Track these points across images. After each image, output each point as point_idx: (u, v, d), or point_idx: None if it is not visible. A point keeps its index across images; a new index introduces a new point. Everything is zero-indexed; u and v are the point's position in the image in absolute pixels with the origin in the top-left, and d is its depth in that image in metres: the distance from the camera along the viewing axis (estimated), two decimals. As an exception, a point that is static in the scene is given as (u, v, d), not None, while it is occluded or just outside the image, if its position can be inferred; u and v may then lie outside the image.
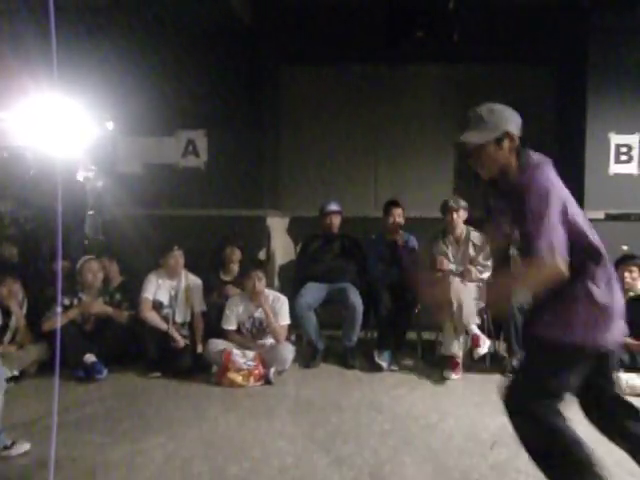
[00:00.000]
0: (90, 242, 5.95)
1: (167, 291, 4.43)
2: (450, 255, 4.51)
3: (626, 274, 4.41)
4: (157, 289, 4.39)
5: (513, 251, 3.17)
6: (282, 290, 4.77)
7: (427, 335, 4.75)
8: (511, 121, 2.05)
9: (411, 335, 4.69)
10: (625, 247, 4.71)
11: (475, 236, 4.53)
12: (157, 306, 4.36)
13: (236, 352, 3.97)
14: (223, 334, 4.22)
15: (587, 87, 4.95)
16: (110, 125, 5.64)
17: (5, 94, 5.21)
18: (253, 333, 4.26)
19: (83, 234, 5.97)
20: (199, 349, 4.28)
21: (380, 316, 4.48)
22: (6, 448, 2.75)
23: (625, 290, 4.40)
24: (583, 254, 1.94)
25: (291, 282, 4.99)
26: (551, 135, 5.54)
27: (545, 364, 1.96)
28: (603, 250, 1.98)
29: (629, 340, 3.96)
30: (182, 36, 5.11)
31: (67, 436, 2.95)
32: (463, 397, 3.74)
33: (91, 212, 6.28)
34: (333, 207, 4.86)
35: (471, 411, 3.46)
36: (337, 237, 4.87)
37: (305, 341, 4.57)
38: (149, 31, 5.10)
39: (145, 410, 3.45)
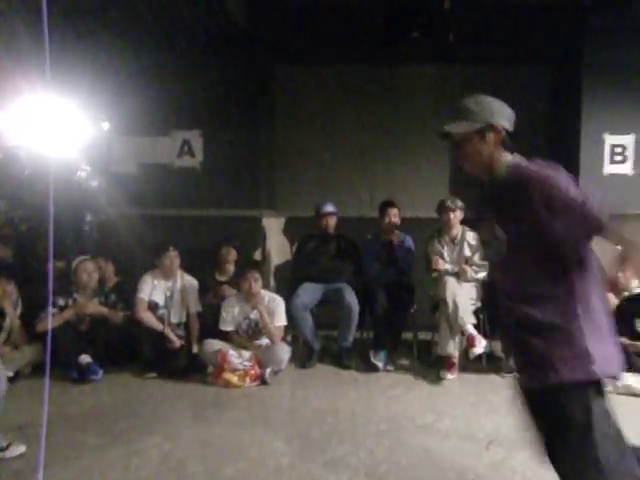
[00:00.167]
0: (85, 242, 5.92)
1: (162, 292, 4.42)
2: (445, 255, 4.51)
3: (620, 274, 4.43)
4: (152, 290, 4.37)
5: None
6: (278, 290, 4.77)
7: (423, 335, 4.76)
8: (498, 114, 1.95)
9: (407, 335, 4.70)
10: (619, 247, 4.72)
11: (471, 236, 4.54)
12: (152, 307, 4.35)
13: (232, 352, 3.97)
14: (219, 334, 4.21)
15: (582, 87, 4.97)
16: (105, 125, 5.63)
17: (-1, 94, 5.18)
18: (249, 334, 4.25)
19: (79, 234, 5.95)
20: (195, 349, 4.27)
21: (376, 316, 4.48)
22: (1, 450, 2.73)
23: (619, 290, 4.43)
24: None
25: (287, 282, 4.99)
26: (546, 135, 5.57)
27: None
28: None
29: (623, 340, 3.97)
30: (178, 37, 5.09)
31: (62, 437, 2.95)
32: (459, 397, 3.74)
33: (87, 212, 6.26)
34: (329, 208, 4.86)
35: (467, 411, 3.47)
36: (333, 237, 4.87)
37: (301, 341, 4.57)
38: (145, 31, 5.08)
39: (141, 411, 3.44)
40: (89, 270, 4.38)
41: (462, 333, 4.15)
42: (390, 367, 4.30)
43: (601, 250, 2.03)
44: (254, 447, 2.92)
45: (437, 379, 4.04)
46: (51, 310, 3.97)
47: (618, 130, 4.97)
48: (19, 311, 4.26)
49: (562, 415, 1.70)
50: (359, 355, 4.49)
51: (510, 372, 4.14)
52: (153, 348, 4.19)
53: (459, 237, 4.54)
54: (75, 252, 4.73)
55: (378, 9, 4.87)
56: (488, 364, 4.32)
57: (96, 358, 4.06)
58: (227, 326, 4.22)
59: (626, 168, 4.99)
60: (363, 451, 2.86)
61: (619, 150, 4.99)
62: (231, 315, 4.24)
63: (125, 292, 4.52)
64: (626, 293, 4.36)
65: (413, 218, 5.03)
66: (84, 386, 3.89)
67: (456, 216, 4.47)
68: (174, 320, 4.40)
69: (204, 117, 5.23)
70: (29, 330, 4.15)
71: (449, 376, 4.08)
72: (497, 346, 4.46)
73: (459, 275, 4.40)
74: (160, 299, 4.39)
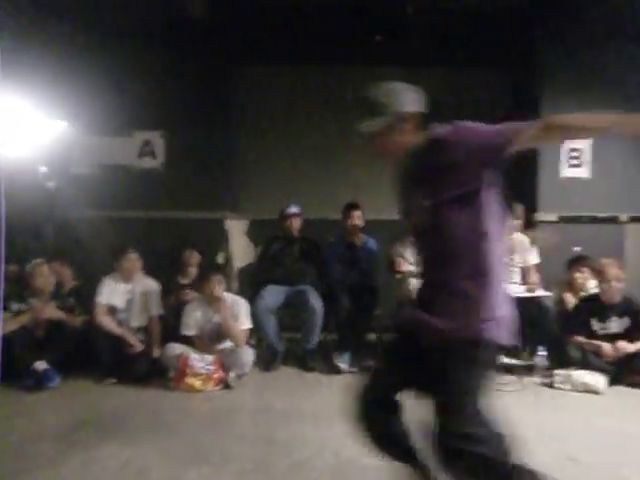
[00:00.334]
0: (42, 245, 5.75)
1: (122, 295, 4.32)
2: (409, 257, 4.55)
3: (578, 275, 4.56)
4: (112, 293, 4.28)
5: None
6: (241, 293, 4.72)
7: (387, 336, 4.78)
8: (409, 100, 1.93)
9: (371, 337, 4.72)
10: (577, 249, 4.86)
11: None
12: (112, 311, 4.25)
13: (194, 356, 3.90)
14: (181, 339, 4.14)
15: (539, 92, 5.10)
16: (63, 125, 5.48)
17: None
18: (212, 337, 4.19)
19: (34, 237, 5.76)
20: (156, 354, 4.19)
21: (339, 318, 4.48)
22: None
23: (577, 290, 4.56)
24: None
25: (250, 285, 4.94)
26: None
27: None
28: None
29: (580, 339, 4.08)
30: (138, 35, 5.02)
31: (15, 448, 2.84)
32: (422, 397, 3.77)
33: (44, 214, 6.08)
34: (293, 210, 4.84)
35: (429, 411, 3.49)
36: (297, 240, 4.85)
37: (265, 344, 4.53)
38: (105, 29, 4.99)
39: (99, 418, 3.34)
40: (45, 274, 4.24)
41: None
42: (354, 368, 4.30)
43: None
44: (217, 452, 2.87)
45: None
46: (2, 315, 3.83)
47: (575, 134, 5.10)
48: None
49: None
50: (323, 357, 4.48)
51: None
52: (113, 353, 4.09)
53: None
54: (30, 255, 4.58)
55: (341, 12, 4.90)
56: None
57: (53, 364, 3.93)
58: (189, 330, 4.15)
59: (582, 172, 5.13)
60: (328, 453, 2.84)
61: (575, 154, 5.13)
62: (194, 319, 4.17)
63: (83, 296, 4.40)
64: (583, 293, 4.49)
65: (377, 220, 5.06)
66: (40, 394, 3.76)
67: (419, 218, 4.51)
68: (134, 324, 4.32)
69: (165, 117, 5.15)
70: (-19, 336, 4.00)
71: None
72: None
73: (422, 276, 4.43)
74: (120, 303, 4.30)
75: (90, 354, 4.14)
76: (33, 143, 5.52)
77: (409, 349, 1.89)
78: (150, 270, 4.55)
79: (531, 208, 5.01)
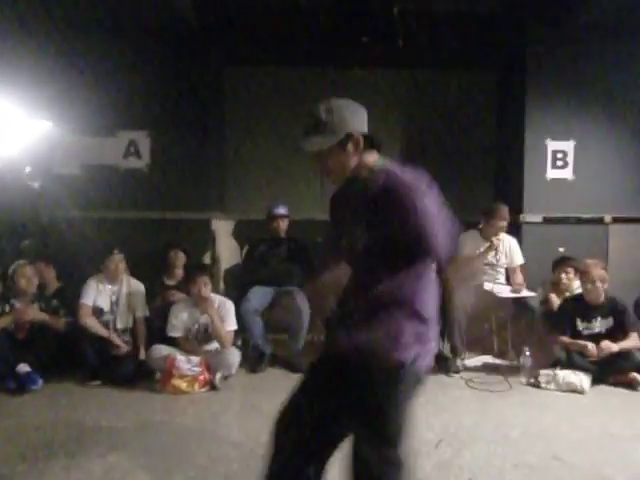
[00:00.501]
0: (25, 246, 5.68)
1: (107, 297, 4.28)
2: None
3: (563, 275, 4.60)
4: (97, 295, 4.24)
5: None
6: (227, 294, 4.70)
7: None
8: (353, 119, 1.84)
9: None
10: (562, 249, 4.90)
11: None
12: (97, 312, 4.21)
13: (180, 358, 3.88)
14: (167, 340, 4.11)
15: (526, 94, 5.13)
16: (47, 124, 5.41)
17: None
18: (199, 339, 4.17)
19: (18, 237, 5.69)
20: (142, 355, 4.16)
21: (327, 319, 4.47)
22: None
23: (562, 290, 4.60)
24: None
25: (237, 286, 4.92)
26: (492, 140, 5.73)
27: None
28: None
29: (565, 339, 4.12)
30: (125, 34, 4.98)
31: (-2, 451, 2.80)
32: (409, 398, 3.77)
33: (28, 214, 6.01)
34: (280, 211, 4.83)
35: (416, 411, 3.50)
36: (284, 240, 4.84)
37: (251, 345, 4.51)
38: (90, 28, 4.94)
39: (83, 421, 3.30)
40: (28, 275, 4.17)
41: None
42: (341, 370, 4.29)
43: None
44: (203, 454, 2.85)
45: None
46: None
47: (559, 136, 5.16)
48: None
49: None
50: (310, 359, 4.46)
51: (458, 372, 4.23)
52: (97, 355, 4.04)
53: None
54: (13, 256, 4.53)
55: (328, 13, 4.89)
56: (436, 364, 4.39)
57: (35, 367, 3.87)
58: (175, 332, 4.12)
59: (567, 173, 5.17)
60: (314, 455, 2.83)
61: (560, 156, 5.17)
62: (180, 320, 4.14)
63: (68, 297, 4.35)
64: (568, 294, 4.53)
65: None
66: (22, 397, 3.70)
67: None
68: (120, 326, 4.28)
69: (151, 117, 5.10)
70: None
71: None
72: (446, 347, 4.53)
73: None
74: (105, 304, 4.26)
75: (74, 356, 4.09)
76: (17, 143, 5.45)
77: (327, 372, 1.89)
78: (136, 271, 4.51)
79: (517, 209, 5.05)
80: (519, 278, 4.60)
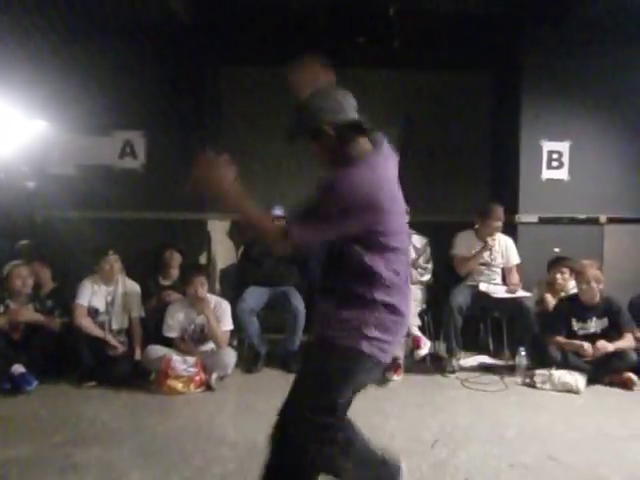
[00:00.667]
0: (20, 246, 5.66)
1: (103, 297, 4.27)
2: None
3: (558, 275, 4.62)
4: (92, 295, 4.22)
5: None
6: (223, 294, 4.69)
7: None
8: (329, 110, 1.89)
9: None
10: (557, 249, 4.91)
11: (416, 239, 4.62)
12: (92, 313, 4.20)
13: (176, 358, 3.87)
14: (163, 340, 4.10)
15: (521, 95, 5.14)
16: (42, 124, 5.40)
17: None
18: (195, 339, 4.16)
19: (13, 237, 5.67)
20: (137, 356, 4.15)
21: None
22: None
23: (557, 291, 4.61)
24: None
25: (232, 286, 4.91)
26: (488, 140, 5.73)
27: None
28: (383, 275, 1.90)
29: (560, 339, 4.13)
30: (120, 33, 4.96)
31: (-8, 452, 2.78)
32: (405, 398, 3.78)
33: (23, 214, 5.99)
34: (277, 212, 4.81)
35: (413, 411, 3.51)
36: (279, 240, 4.83)
37: (247, 346, 4.51)
38: (85, 28, 4.92)
39: (78, 422, 3.29)
40: (23, 275, 4.15)
41: (407, 335, 4.20)
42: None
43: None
44: (199, 454, 2.85)
45: (383, 381, 4.06)
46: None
47: (554, 137, 5.17)
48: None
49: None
50: (306, 359, 4.46)
51: (453, 372, 4.24)
52: (93, 356, 4.02)
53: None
54: (8, 256, 4.51)
55: (324, 13, 4.89)
56: (432, 364, 4.40)
57: (31, 368, 3.85)
58: (171, 332, 4.12)
59: (562, 174, 5.18)
60: (310, 455, 2.83)
61: (555, 156, 5.18)
62: (176, 321, 4.14)
63: (63, 298, 4.33)
64: (563, 294, 4.54)
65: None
66: (17, 398, 3.68)
67: (402, 219, 4.52)
68: (115, 326, 4.27)
69: (147, 117, 5.08)
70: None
71: (395, 377, 4.12)
72: (441, 347, 4.54)
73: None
74: (100, 305, 4.25)
75: (69, 357, 4.07)
76: (12, 143, 5.43)
77: None
78: (131, 271, 4.50)
79: (512, 210, 5.06)
80: (515, 278, 4.61)
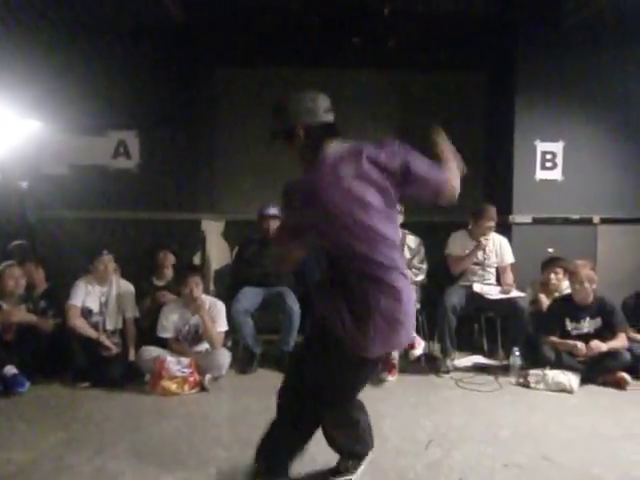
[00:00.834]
0: (13, 246, 5.63)
1: (97, 298, 4.26)
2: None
3: (552, 276, 4.63)
4: (86, 296, 4.21)
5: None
6: (218, 295, 4.69)
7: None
8: (302, 111, 2.02)
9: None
10: (551, 250, 4.93)
11: (411, 240, 4.62)
12: (86, 313, 4.18)
13: (170, 359, 3.86)
14: (157, 341, 4.09)
15: (515, 96, 5.15)
16: (36, 124, 5.37)
17: None
18: (189, 340, 4.15)
19: (6, 238, 5.64)
20: (131, 357, 4.14)
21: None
22: None
23: (551, 291, 4.62)
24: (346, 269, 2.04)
25: (227, 287, 4.90)
26: (482, 141, 5.75)
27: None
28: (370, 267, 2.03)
29: (554, 339, 4.14)
30: (114, 32, 4.94)
31: (-17, 455, 2.77)
32: (399, 398, 3.78)
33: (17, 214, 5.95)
34: (271, 211, 4.81)
35: (407, 412, 3.51)
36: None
37: (241, 346, 4.50)
38: (80, 26, 4.91)
39: (71, 423, 3.27)
40: (15, 276, 4.14)
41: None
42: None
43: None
44: (193, 456, 2.84)
45: (378, 381, 4.06)
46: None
47: (548, 138, 5.18)
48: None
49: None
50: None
51: (448, 372, 4.24)
52: (87, 356, 4.01)
53: (399, 241, 4.59)
54: (1, 256, 4.48)
55: (319, 13, 4.89)
56: (427, 365, 4.40)
57: (23, 369, 3.83)
58: (166, 333, 4.10)
59: (556, 174, 5.20)
60: (305, 456, 2.82)
61: (549, 157, 5.20)
62: (171, 321, 4.12)
63: (56, 299, 4.31)
64: (557, 294, 4.55)
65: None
66: (9, 399, 3.66)
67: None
68: (109, 327, 4.25)
69: (141, 117, 5.07)
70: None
71: (390, 378, 4.12)
72: (435, 347, 4.55)
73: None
74: (94, 305, 4.23)
75: (62, 358, 4.05)
76: (5, 143, 5.40)
77: None
78: (125, 272, 4.49)
79: (506, 210, 5.07)
80: (509, 278, 4.62)
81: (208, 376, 3.89)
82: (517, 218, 5.12)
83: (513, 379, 4.07)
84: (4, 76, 4.65)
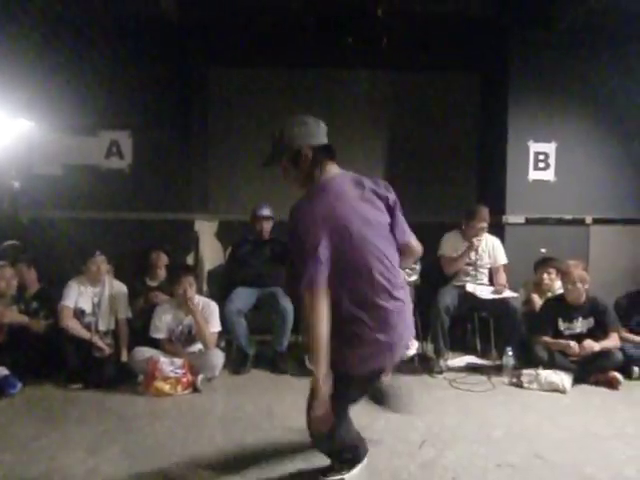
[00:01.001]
0: (5, 247, 5.60)
1: (89, 298, 4.23)
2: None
3: (545, 276, 4.65)
4: (79, 296, 4.18)
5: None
6: (211, 295, 4.68)
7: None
8: (303, 135, 2.11)
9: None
10: (543, 250, 4.95)
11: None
12: (79, 314, 4.16)
13: (163, 360, 3.84)
14: (150, 342, 4.08)
15: (508, 97, 5.17)
16: (28, 124, 5.34)
17: None
18: (182, 340, 4.14)
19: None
20: (124, 357, 4.12)
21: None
22: None
23: (543, 291, 4.64)
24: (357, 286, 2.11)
25: (220, 287, 4.89)
26: (475, 141, 5.77)
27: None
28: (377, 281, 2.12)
29: (547, 339, 4.16)
30: (108, 32, 4.92)
31: (-25, 456, 2.75)
32: (393, 398, 3.78)
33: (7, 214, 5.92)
34: (265, 212, 4.81)
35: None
36: (267, 242, 4.83)
37: (235, 347, 4.49)
38: (71, 25, 4.88)
39: (64, 424, 3.26)
40: (7, 277, 4.11)
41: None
42: (325, 371, 4.29)
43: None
44: (186, 456, 2.83)
45: (372, 381, 4.06)
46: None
47: (541, 138, 5.20)
48: None
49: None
50: (294, 359, 4.45)
51: (441, 372, 4.25)
52: (79, 357, 3.98)
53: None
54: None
55: (312, 13, 4.89)
56: (420, 365, 4.40)
57: (15, 370, 3.80)
58: (159, 333, 4.09)
59: (548, 175, 5.22)
60: (299, 456, 2.83)
61: (542, 157, 5.22)
62: (164, 322, 4.11)
63: (49, 299, 4.28)
64: (550, 294, 4.57)
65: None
66: (0, 401, 3.62)
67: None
68: (102, 328, 4.22)
69: (133, 117, 5.05)
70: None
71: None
72: (429, 347, 4.55)
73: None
74: (87, 306, 4.20)
75: (54, 359, 4.03)
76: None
77: None
78: (117, 272, 4.47)
79: (499, 210, 5.09)
80: (502, 278, 4.63)
81: (201, 376, 3.88)
82: (510, 218, 5.14)
83: (506, 379, 4.08)
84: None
